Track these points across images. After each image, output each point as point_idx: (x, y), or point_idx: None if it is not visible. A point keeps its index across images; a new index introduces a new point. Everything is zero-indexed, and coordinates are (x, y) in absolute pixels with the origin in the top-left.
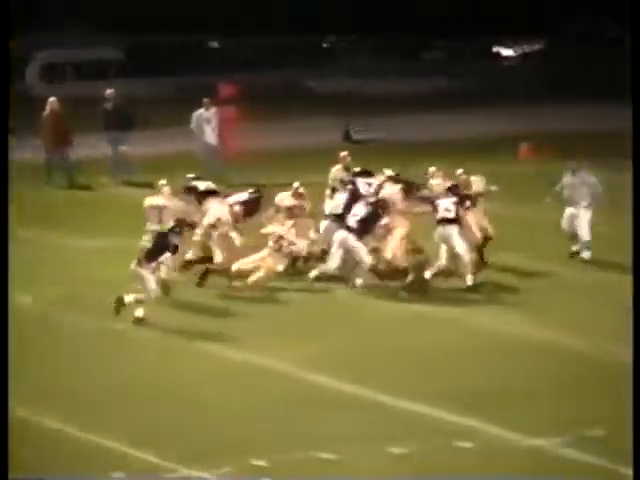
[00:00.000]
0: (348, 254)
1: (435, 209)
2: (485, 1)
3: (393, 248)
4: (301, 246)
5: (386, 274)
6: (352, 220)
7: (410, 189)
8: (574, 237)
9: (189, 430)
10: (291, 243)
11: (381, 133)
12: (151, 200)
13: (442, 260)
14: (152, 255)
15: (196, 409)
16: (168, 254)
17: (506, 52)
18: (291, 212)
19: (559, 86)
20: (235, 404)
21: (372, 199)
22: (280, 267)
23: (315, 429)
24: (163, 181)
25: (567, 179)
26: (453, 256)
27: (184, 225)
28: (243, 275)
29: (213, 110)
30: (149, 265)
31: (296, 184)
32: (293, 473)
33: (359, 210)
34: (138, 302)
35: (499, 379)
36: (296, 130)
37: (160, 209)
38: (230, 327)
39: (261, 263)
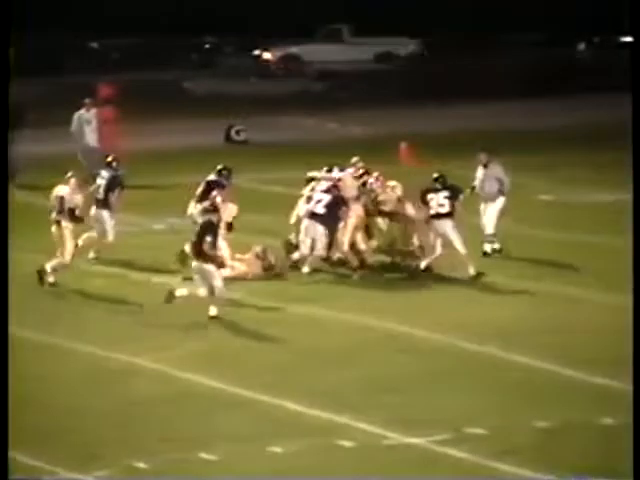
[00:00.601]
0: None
1: (428, 205)
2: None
3: (348, 238)
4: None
5: (340, 262)
6: (317, 207)
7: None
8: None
9: (68, 432)
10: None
11: (263, 134)
12: (57, 190)
13: (437, 251)
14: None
15: (77, 411)
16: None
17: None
18: None
19: (435, 88)
20: (115, 405)
21: (330, 184)
22: (250, 277)
23: (195, 429)
24: (70, 173)
25: (480, 173)
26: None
27: (72, 217)
28: None
29: (93, 111)
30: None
31: None
32: (173, 474)
33: (320, 196)
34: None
35: (380, 377)
36: (177, 131)
37: (60, 199)
38: (110, 328)
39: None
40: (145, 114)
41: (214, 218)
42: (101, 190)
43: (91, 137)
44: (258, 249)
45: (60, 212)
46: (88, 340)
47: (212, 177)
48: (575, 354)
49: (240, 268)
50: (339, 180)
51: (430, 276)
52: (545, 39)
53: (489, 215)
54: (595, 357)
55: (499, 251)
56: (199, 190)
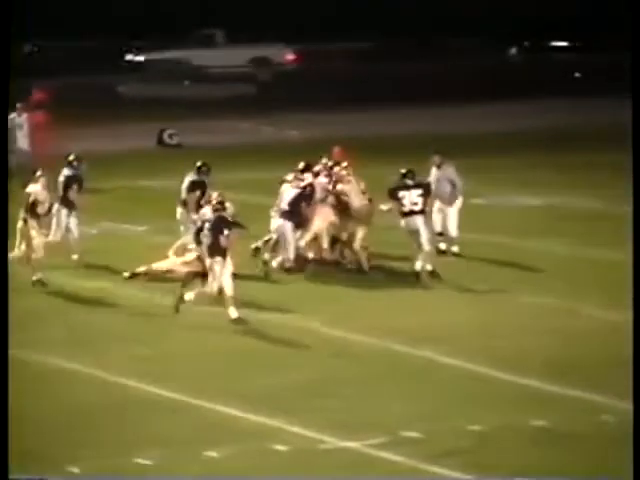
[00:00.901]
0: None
1: (400, 202)
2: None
3: (307, 240)
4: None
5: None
6: (284, 204)
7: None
8: (441, 234)
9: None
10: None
11: (196, 137)
12: (29, 188)
13: (426, 248)
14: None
15: (13, 417)
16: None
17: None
18: None
19: (372, 92)
20: (51, 411)
21: (301, 183)
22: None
23: (130, 435)
24: (39, 171)
25: (433, 174)
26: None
27: (33, 213)
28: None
29: (25, 115)
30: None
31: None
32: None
33: (289, 194)
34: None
35: (315, 381)
36: (110, 135)
37: (28, 196)
38: (46, 333)
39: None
40: (78, 118)
41: (224, 213)
42: (59, 188)
43: (23, 142)
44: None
45: (27, 210)
46: (25, 344)
47: (193, 177)
48: (508, 357)
49: (182, 270)
50: (310, 185)
51: (366, 278)
52: (478, 43)
53: (451, 218)
54: (527, 359)
55: (457, 254)
56: (183, 192)
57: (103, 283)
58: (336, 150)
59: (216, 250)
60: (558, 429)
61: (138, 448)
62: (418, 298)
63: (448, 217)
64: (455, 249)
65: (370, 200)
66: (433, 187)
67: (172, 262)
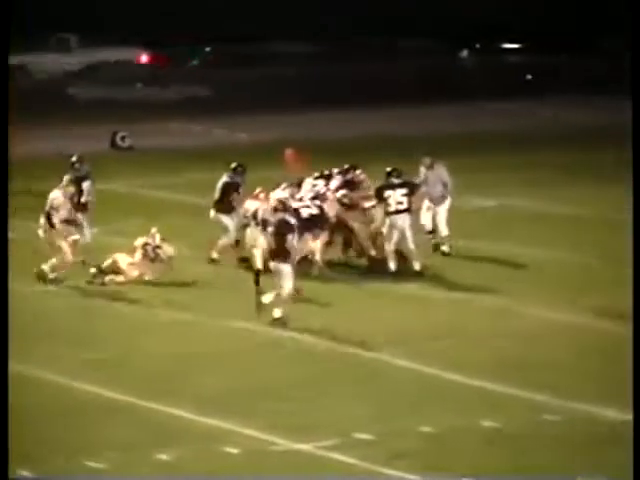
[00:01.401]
0: None
1: (385, 201)
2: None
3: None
4: (170, 250)
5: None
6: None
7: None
8: (433, 231)
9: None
10: (156, 247)
11: (149, 140)
12: (52, 193)
13: (410, 247)
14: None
15: None
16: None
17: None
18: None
19: (324, 93)
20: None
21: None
22: (148, 277)
23: (82, 438)
24: (67, 176)
25: (422, 174)
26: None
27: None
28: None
29: None
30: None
31: None
32: None
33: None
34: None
35: (267, 383)
36: (62, 137)
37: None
38: None
39: (125, 268)
40: (30, 120)
41: (287, 216)
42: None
43: None
44: (143, 249)
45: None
46: None
47: (226, 179)
48: (458, 359)
49: (132, 274)
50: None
51: (320, 278)
52: (430, 45)
53: (441, 217)
54: (478, 361)
55: (448, 254)
56: (217, 193)
57: (49, 286)
58: (288, 152)
59: (281, 252)
60: (507, 430)
61: (89, 451)
62: (370, 301)
63: (438, 216)
64: (445, 248)
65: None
66: (424, 188)
67: (122, 261)
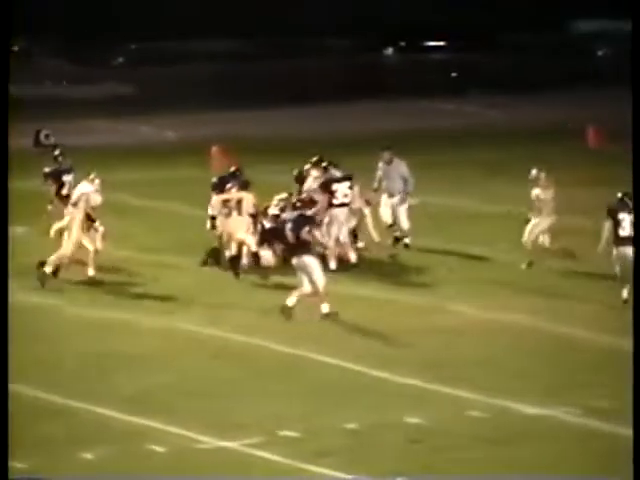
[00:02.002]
0: None
1: (333, 194)
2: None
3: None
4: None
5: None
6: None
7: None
8: (392, 225)
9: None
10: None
11: (74, 138)
12: (80, 187)
13: (345, 240)
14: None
15: None
16: None
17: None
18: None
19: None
20: None
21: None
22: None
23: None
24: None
25: (381, 169)
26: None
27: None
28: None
29: None
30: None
31: None
32: None
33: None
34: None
35: (192, 381)
36: None
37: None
38: None
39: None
40: None
41: (305, 211)
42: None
43: None
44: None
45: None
46: None
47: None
48: (384, 355)
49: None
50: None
51: (246, 277)
52: (355, 44)
53: (401, 212)
54: (403, 357)
55: (408, 246)
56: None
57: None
58: (214, 149)
59: (296, 245)
60: (431, 426)
61: (12, 450)
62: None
63: (398, 210)
64: (407, 241)
65: None
66: (383, 183)
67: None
